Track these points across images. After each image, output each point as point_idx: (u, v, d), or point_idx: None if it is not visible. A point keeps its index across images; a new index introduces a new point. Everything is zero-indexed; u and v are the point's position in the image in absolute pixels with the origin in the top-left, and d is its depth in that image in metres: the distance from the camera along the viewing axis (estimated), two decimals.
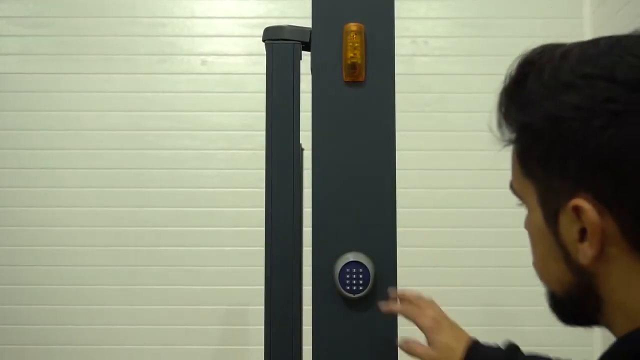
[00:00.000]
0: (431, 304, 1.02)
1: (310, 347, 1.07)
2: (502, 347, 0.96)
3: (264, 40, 1.11)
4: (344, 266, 1.04)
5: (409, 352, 0.99)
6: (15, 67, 2.90)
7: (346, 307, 1.05)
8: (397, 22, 1.08)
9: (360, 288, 1.04)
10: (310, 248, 1.07)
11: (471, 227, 2.65)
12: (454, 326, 0.99)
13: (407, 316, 1.01)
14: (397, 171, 1.07)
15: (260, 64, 1.15)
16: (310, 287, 1.07)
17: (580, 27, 2.89)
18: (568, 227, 0.57)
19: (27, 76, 2.89)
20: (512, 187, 0.66)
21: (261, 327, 1.08)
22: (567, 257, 0.58)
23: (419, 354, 0.97)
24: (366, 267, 1.04)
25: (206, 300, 2.80)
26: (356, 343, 1.05)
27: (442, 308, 1.02)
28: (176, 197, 2.84)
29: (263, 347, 1.08)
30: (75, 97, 2.89)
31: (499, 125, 0.63)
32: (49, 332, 2.80)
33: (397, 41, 1.07)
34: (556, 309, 0.64)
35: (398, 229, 1.07)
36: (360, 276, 1.04)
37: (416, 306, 1.01)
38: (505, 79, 0.62)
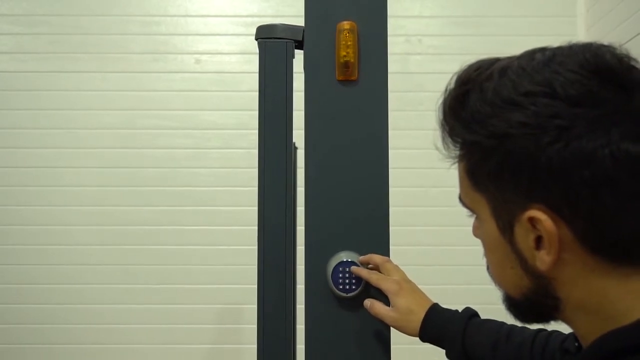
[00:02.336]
0: (396, 269, 1.04)
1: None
2: (460, 310, 1.00)
3: (256, 39, 1.10)
4: (336, 265, 1.03)
5: (372, 311, 1.01)
6: (9, 66, 2.89)
7: (339, 306, 1.05)
8: (390, 21, 1.08)
9: (353, 287, 1.03)
10: (303, 247, 1.07)
11: (465, 226, 2.64)
12: (416, 291, 1.02)
13: (371, 282, 1.02)
14: (390, 170, 1.07)
15: (254, 63, 1.15)
16: (303, 286, 1.06)
17: (574, 26, 2.90)
18: (524, 237, 0.60)
19: (21, 74, 2.88)
20: (461, 200, 0.68)
21: (255, 326, 1.07)
22: (524, 264, 0.61)
23: (382, 314, 1.01)
24: (359, 266, 1.04)
25: (200, 298, 2.80)
26: (349, 342, 1.05)
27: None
28: (170, 195, 2.84)
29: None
30: (69, 95, 2.88)
31: (444, 142, 0.65)
32: (47, 331, 2.79)
33: (391, 40, 1.07)
34: (513, 310, 0.67)
35: (391, 228, 1.07)
36: (353, 275, 1.03)
37: (384, 270, 1.03)
38: (445, 95, 0.64)
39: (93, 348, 2.79)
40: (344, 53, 1.05)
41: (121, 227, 2.83)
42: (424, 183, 2.79)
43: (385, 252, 1.06)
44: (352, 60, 1.05)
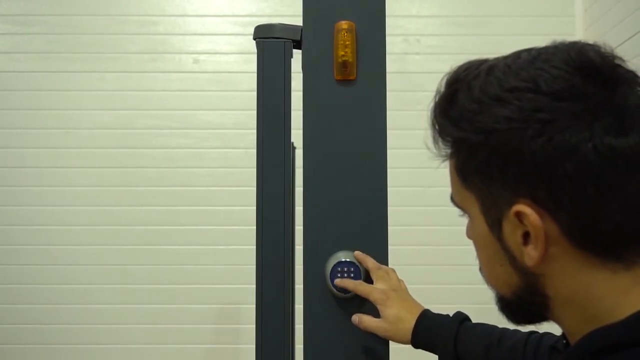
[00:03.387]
0: (385, 276, 1.03)
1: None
2: (451, 315, 1.00)
3: (254, 39, 1.10)
4: (335, 265, 1.03)
5: (362, 326, 1.01)
6: (6, 66, 2.88)
7: (337, 307, 1.05)
8: (389, 20, 1.08)
9: None
10: (302, 247, 1.07)
11: (463, 226, 2.64)
12: (405, 299, 1.02)
13: (359, 293, 1.02)
14: (388, 170, 1.07)
15: (252, 63, 1.14)
16: (302, 286, 1.06)
17: (572, 25, 2.90)
18: (511, 232, 0.60)
19: (18, 74, 2.88)
20: (452, 199, 0.69)
21: (253, 326, 1.07)
22: (513, 261, 0.61)
23: (372, 327, 1.00)
24: (357, 266, 1.04)
25: (198, 298, 2.80)
26: (347, 342, 1.05)
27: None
28: (168, 195, 2.83)
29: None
30: (66, 95, 2.87)
31: (435, 142, 0.66)
32: (47, 331, 2.79)
33: (389, 39, 1.07)
34: (506, 311, 0.67)
35: (390, 228, 1.07)
36: (352, 275, 1.03)
37: (374, 276, 1.03)
38: (435, 96, 0.65)
39: (92, 348, 2.79)
40: (342, 53, 1.04)
41: (119, 227, 2.82)
42: (423, 183, 2.79)
43: (384, 252, 1.06)
44: (350, 59, 1.05)
